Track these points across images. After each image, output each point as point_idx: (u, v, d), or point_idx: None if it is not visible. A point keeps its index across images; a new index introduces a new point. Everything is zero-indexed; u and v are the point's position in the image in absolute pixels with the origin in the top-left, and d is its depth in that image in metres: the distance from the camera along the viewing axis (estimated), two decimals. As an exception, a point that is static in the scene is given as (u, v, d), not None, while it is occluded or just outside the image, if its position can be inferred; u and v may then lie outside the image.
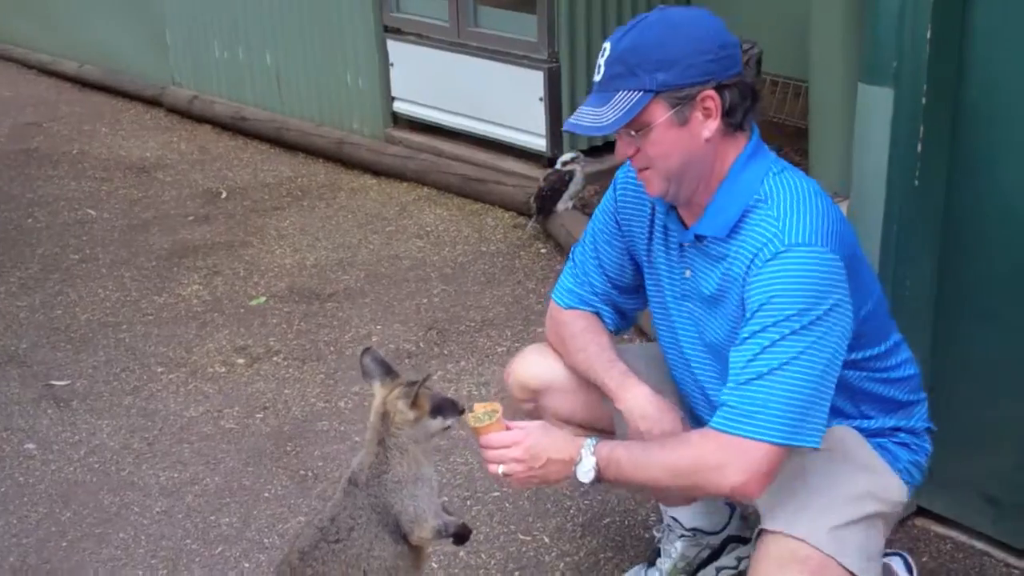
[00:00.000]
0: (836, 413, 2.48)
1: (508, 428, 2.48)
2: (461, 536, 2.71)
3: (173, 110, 7.94)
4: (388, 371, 2.61)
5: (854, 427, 2.54)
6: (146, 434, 4.10)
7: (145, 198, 6.38)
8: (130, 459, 3.95)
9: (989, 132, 2.78)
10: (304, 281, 5.29)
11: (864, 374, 2.49)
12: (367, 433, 2.63)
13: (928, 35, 2.78)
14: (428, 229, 5.82)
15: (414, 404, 2.52)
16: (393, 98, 6.70)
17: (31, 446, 4.04)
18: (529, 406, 2.95)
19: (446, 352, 4.59)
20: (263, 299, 5.13)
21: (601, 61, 2.37)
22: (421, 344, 4.66)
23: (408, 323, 4.85)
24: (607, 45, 2.37)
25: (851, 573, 2.33)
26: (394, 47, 6.56)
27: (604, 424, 2.85)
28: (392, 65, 6.61)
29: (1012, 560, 3.22)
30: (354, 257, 5.53)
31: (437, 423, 2.55)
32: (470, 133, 6.35)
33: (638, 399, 2.63)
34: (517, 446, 2.43)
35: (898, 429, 2.57)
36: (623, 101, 2.31)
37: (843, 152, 3.74)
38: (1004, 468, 3.03)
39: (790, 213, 2.29)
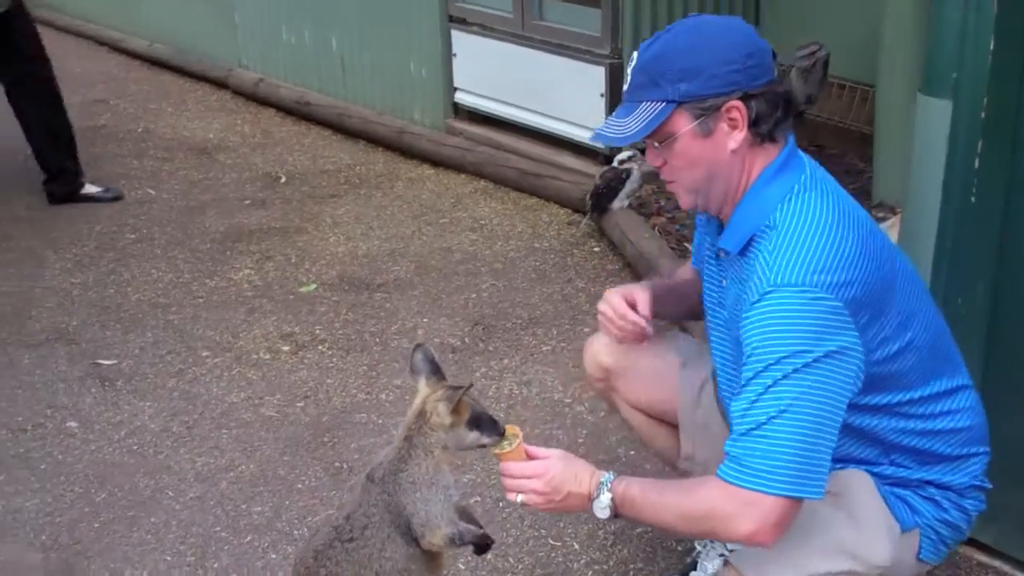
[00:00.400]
0: (862, 461, 2.42)
1: (529, 455, 2.45)
2: (480, 546, 2.67)
3: (239, 92, 7.99)
4: (436, 371, 2.57)
5: (876, 472, 2.45)
6: (186, 418, 4.11)
7: (205, 180, 6.41)
8: (169, 442, 3.96)
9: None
10: (355, 270, 5.28)
11: (895, 422, 2.38)
12: (399, 429, 2.61)
13: (991, 47, 2.67)
14: (482, 222, 5.78)
15: (454, 410, 2.48)
16: (455, 88, 6.67)
17: (73, 424, 4.07)
18: (600, 385, 2.95)
19: (490, 349, 4.54)
20: (313, 286, 5.13)
21: (628, 70, 2.32)
22: (466, 339, 4.62)
23: (455, 317, 4.81)
24: (635, 54, 2.32)
25: None
26: (458, 37, 6.53)
27: (671, 415, 2.82)
28: (455, 55, 6.58)
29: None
30: (406, 248, 5.51)
31: (472, 436, 2.50)
32: (529, 127, 6.30)
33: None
34: (538, 478, 2.39)
35: (929, 483, 2.45)
36: (646, 112, 2.26)
37: (908, 161, 3.63)
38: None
39: (785, 250, 2.19)
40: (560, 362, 4.43)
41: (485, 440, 2.49)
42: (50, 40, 6.21)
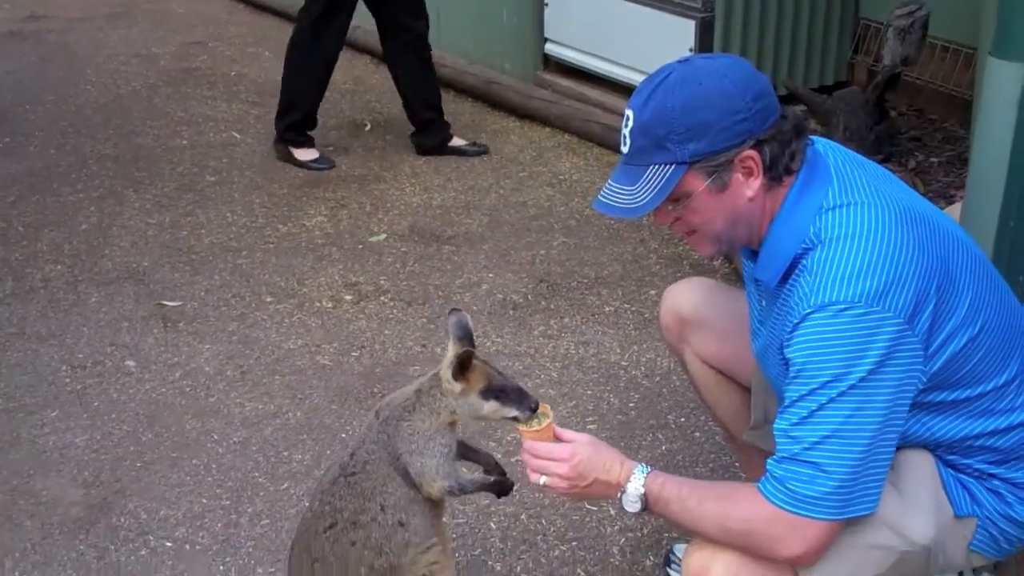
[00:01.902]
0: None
1: (556, 436, 2.38)
2: (497, 493, 2.64)
3: (336, 38, 7.94)
4: (465, 338, 2.50)
5: (938, 455, 2.33)
6: (241, 362, 4.12)
7: (291, 125, 6.41)
8: (221, 386, 3.98)
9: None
10: (427, 222, 5.23)
11: (963, 422, 2.27)
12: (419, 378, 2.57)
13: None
14: (561, 178, 5.68)
15: (465, 378, 2.42)
16: (545, 39, 6.55)
17: (131, 363, 4.11)
18: (672, 336, 2.86)
19: (552, 307, 4.46)
20: (383, 236, 5.10)
21: (626, 132, 2.19)
22: (529, 296, 4.55)
23: (520, 273, 4.74)
24: (629, 113, 2.18)
25: None
26: (550, -13, 6.40)
27: (743, 377, 2.73)
28: (547, 5, 6.45)
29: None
30: (481, 201, 5.44)
31: (490, 407, 2.43)
32: (617, 80, 6.16)
33: None
34: (564, 463, 2.31)
35: (993, 476, 2.33)
36: (656, 177, 2.14)
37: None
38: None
39: (825, 266, 2.10)
40: (621, 324, 4.33)
41: (513, 412, 2.41)
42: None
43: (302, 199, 5.47)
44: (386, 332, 4.32)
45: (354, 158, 5.96)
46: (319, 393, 3.94)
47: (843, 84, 6.10)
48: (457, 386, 2.43)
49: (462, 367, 2.40)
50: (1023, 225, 2.67)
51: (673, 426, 3.72)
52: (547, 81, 6.54)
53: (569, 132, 6.17)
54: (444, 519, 2.65)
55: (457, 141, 5.98)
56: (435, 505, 2.54)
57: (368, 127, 6.40)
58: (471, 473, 2.62)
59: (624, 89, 6.10)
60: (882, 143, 5.48)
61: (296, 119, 5.82)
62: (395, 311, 4.47)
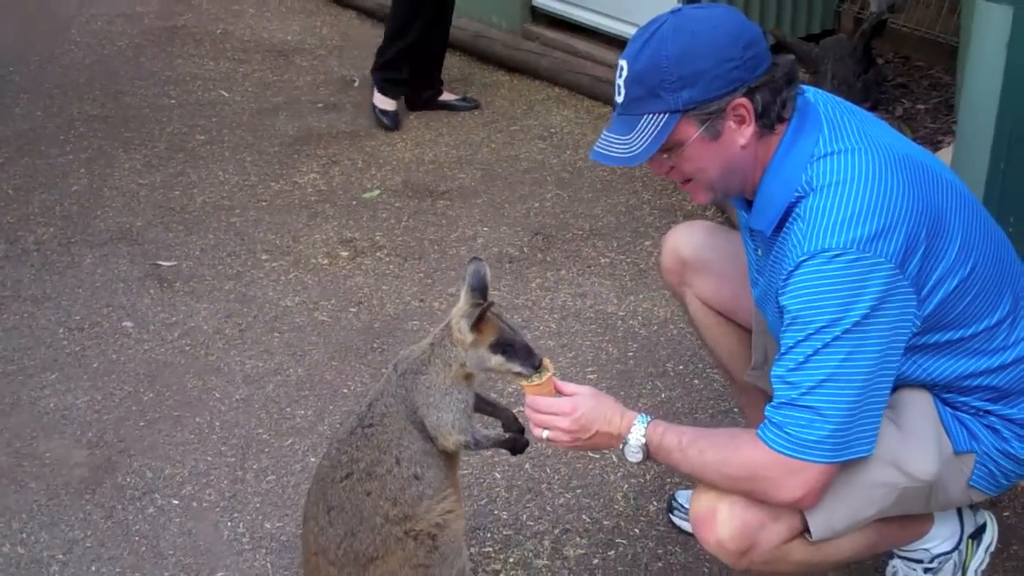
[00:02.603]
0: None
1: (558, 390, 2.41)
2: (511, 449, 2.67)
3: (321, -7, 7.90)
4: (481, 287, 2.51)
5: (936, 395, 2.37)
6: (240, 320, 4.13)
7: (279, 82, 6.38)
8: (220, 344, 3.99)
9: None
10: (420, 177, 5.23)
11: (957, 361, 2.31)
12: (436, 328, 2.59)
13: (1059, -51, 2.50)
14: (552, 130, 5.68)
15: (478, 329, 2.43)
16: (533, -9, 6.52)
17: (128, 324, 4.12)
18: (673, 278, 2.89)
19: (548, 259, 4.48)
20: (376, 192, 5.09)
21: (620, 82, 2.21)
22: (525, 249, 4.56)
23: (515, 227, 4.75)
24: (623, 63, 2.20)
25: (806, 529, 2.28)
26: (538, -62, 6.37)
27: (744, 318, 2.76)
28: (533, -43, 6.42)
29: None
30: (473, 155, 5.44)
31: (496, 360, 2.46)
32: (605, 31, 6.14)
33: None
34: (566, 416, 2.35)
35: (990, 412, 2.38)
36: (650, 126, 2.17)
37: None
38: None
39: (816, 214, 2.13)
40: (617, 274, 4.35)
41: (517, 368, 2.44)
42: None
43: (293, 156, 5.45)
44: (383, 288, 4.33)
45: (344, 114, 5.94)
46: (319, 349, 3.95)
47: (830, 32, 6.10)
48: (470, 336, 2.45)
49: (480, 319, 2.42)
50: (1013, 167, 2.69)
51: (672, 374, 3.75)
52: (535, 33, 6.52)
53: (559, 85, 6.16)
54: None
55: (447, 96, 5.96)
56: (450, 457, 2.56)
57: (357, 83, 6.36)
58: (488, 429, 2.64)
59: (612, 40, 6.10)
60: (869, 90, 5.49)
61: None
62: (391, 266, 4.47)
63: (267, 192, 5.11)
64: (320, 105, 6.06)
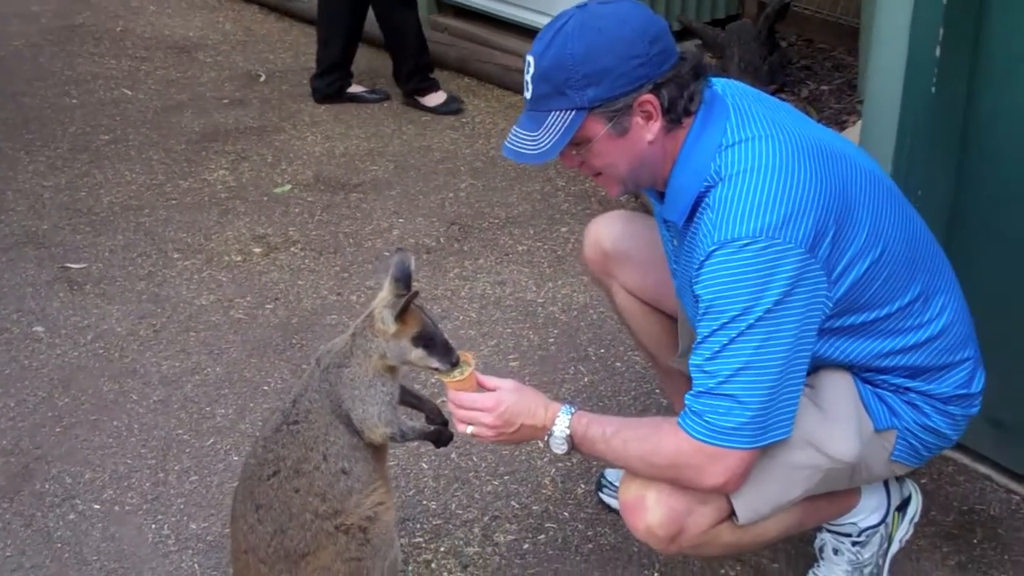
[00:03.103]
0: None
1: (480, 385, 2.40)
2: (435, 442, 2.65)
3: (222, -11, 7.79)
4: (404, 278, 2.47)
5: (856, 374, 2.42)
6: (154, 321, 4.06)
7: (183, 79, 6.28)
8: (135, 346, 3.92)
9: (1012, 41, 2.55)
10: (331, 170, 5.18)
11: (872, 342, 2.34)
12: (356, 320, 2.56)
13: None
14: (464, 120, 5.67)
15: (401, 320, 2.41)
16: (439, -18, 6.50)
17: (39, 329, 4.02)
18: (597, 270, 2.88)
19: (466, 249, 4.47)
20: (288, 187, 5.04)
21: (527, 78, 2.22)
22: (441, 240, 4.55)
23: (431, 217, 4.73)
24: (530, 59, 2.20)
25: (733, 513, 2.33)
26: (441, -71, 6.35)
27: (669, 306, 2.77)
28: (440, -53, 6.40)
29: (1013, 485, 3.11)
30: (385, 147, 5.41)
31: (417, 353, 2.43)
32: (512, 21, 6.14)
33: None
34: (489, 412, 2.34)
35: (909, 390, 2.42)
36: (557, 123, 2.17)
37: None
38: (1011, 391, 2.87)
39: (725, 203, 2.15)
40: (535, 262, 4.36)
41: (435, 364, 2.42)
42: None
43: (201, 154, 5.37)
44: (299, 283, 4.28)
45: (251, 109, 5.87)
46: (236, 347, 3.90)
47: (735, 17, 6.18)
48: (392, 327, 2.42)
49: (404, 309, 2.40)
50: (919, 142, 2.74)
51: (594, 358, 3.77)
52: (442, 24, 6.50)
53: (468, 75, 6.16)
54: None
55: (356, 88, 5.92)
56: (378, 450, 2.54)
57: (263, 78, 6.29)
58: (413, 420, 2.62)
59: (519, 29, 6.10)
60: (775, 73, 5.57)
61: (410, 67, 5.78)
62: (307, 261, 4.43)
63: (176, 190, 5.03)
64: (226, 101, 5.98)
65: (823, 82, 5.64)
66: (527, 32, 6.05)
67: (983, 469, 3.14)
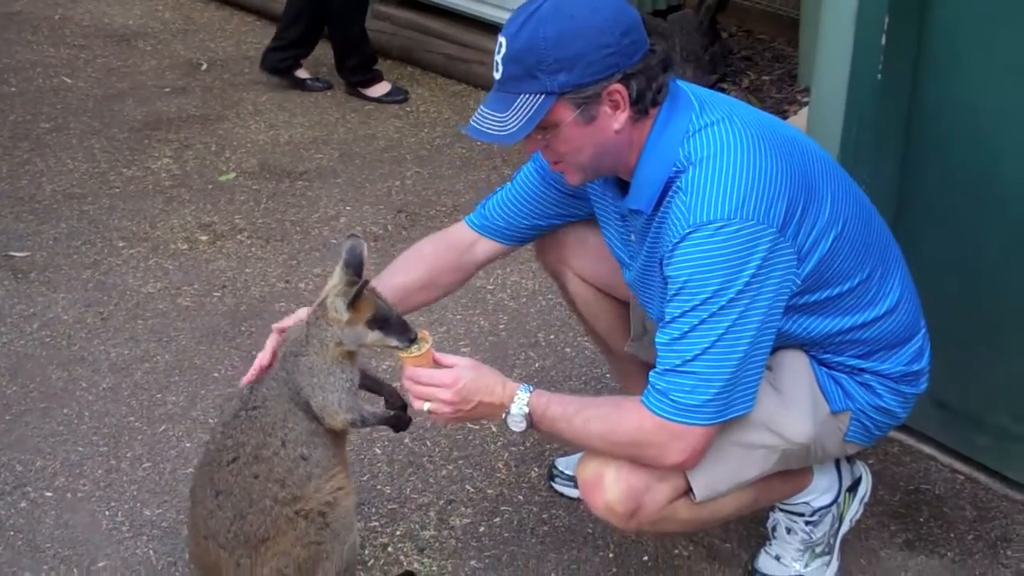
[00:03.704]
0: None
1: (437, 362, 2.41)
2: (394, 427, 2.66)
3: (160, -23, 7.71)
4: (356, 265, 2.48)
5: (812, 355, 2.47)
6: (101, 309, 4.03)
7: (123, 67, 6.22)
8: (83, 334, 3.89)
9: (956, 30, 2.63)
10: (276, 158, 5.17)
11: (829, 319, 2.40)
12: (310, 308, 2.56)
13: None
14: (408, 109, 5.68)
15: (355, 307, 2.42)
16: (380, -29, 6.49)
17: (-17, 318, 3.98)
18: (550, 258, 2.89)
19: (413, 237, 4.45)
20: (233, 175, 5.02)
21: (498, 58, 2.23)
22: (389, 227, 4.57)
23: (378, 205, 4.74)
24: (502, 40, 2.22)
25: (690, 489, 2.37)
26: (383, -83, 6.33)
27: (621, 292, 2.77)
28: (380, -65, 6.38)
29: (958, 465, 3.19)
30: (330, 136, 5.40)
31: (374, 335, 2.44)
32: (456, 10, 6.15)
33: None
34: (447, 388, 2.36)
35: (863, 370, 2.49)
36: (525, 106, 2.19)
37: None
38: (954, 373, 2.95)
39: (698, 187, 2.19)
40: (483, 249, 4.38)
41: (394, 342, 2.44)
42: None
43: (144, 142, 5.33)
44: (247, 270, 4.28)
45: (193, 98, 5.83)
46: (185, 335, 3.89)
47: (676, 8, 6.23)
48: (346, 315, 2.42)
49: (356, 297, 2.41)
50: (865, 129, 2.80)
51: (544, 344, 3.81)
52: (385, 13, 6.49)
53: (411, 64, 6.17)
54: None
55: (302, 73, 5.90)
56: (337, 435, 2.55)
57: (204, 66, 6.25)
58: (372, 405, 2.64)
59: (466, 20, 6.11)
60: (716, 63, 5.65)
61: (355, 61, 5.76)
62: (254, 249, 4.42)
63: (119, 179, 4.99)
64: (168, 89, 5.93)
65: (764, 72, 5.73)
66: (469, 21, 6.07)
67: (928, 450, 3.23)
